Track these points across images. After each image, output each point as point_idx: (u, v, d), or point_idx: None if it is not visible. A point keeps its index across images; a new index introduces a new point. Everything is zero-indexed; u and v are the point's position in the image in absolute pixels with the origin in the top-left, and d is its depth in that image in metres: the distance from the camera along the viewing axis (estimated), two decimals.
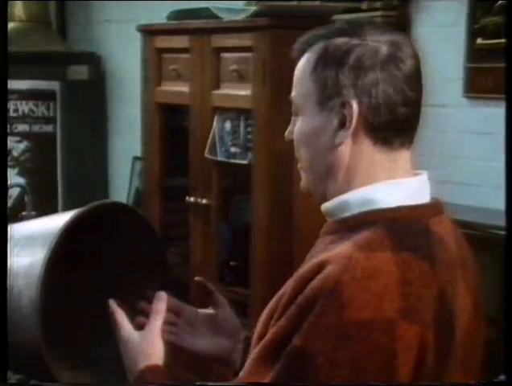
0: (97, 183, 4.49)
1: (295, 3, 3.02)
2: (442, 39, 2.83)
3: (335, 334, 1.12)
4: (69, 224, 1.42)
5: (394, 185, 1.24)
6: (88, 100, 4.44)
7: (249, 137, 2.84)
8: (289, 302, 1.17)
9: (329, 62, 1.23)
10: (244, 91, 2.81)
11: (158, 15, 3.45)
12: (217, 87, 2.94)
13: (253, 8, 2.82)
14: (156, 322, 1.38)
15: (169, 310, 1.46)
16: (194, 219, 3.09)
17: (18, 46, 4.13)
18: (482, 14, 2.68)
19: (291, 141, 1.32)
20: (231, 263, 3.00)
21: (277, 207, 2.77)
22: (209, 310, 1.54)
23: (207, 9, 2.98)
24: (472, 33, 2.71)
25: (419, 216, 1.23)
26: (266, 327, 1.22)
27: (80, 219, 1.44)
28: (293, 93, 1.30)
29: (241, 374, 1.23)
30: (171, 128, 3.32)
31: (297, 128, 1.30)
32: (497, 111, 2.38)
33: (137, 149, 3.76)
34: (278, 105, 2.75)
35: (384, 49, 1.22)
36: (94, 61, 4.47)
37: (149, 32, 3.31)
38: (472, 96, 2.75)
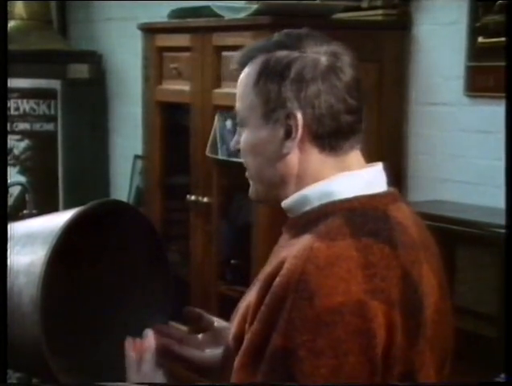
0: (97, 182, 4.49)
1: (295, 2, 3.02)
2: (443, 37, 2.83)
3: (311, 325, 1.14)
4: (70, 223, 1.42)
5: (350, 176, 1.28)
6: (89, 98, 4.44)
7: None
8: (258, 304, 1.19)
9: (271, 75, 1.27)
10: None
11: (159, 14, 3.45)
12: (218, 85, 2.94)
13: (254, 6, 2.82)
14: (147, 362, 1.40)
15: (189, 317, 1.50)
16: (195, 218, 3.09)
17: (19, 44, 4.13)
18: (483, 13, 2.68)
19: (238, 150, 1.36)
20: (232, 261, 3.00)
21: (277, 205, 2.77)
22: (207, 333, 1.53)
23: (208, 7, 2.98)
24: (473, 31, 2.71)
25: (376, 204, 1.26)
26: (241, 328, 1.25)
27: (81, 218, 1.44)
28: (237, 106, 1.33)
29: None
30: (171, 126, 3.32)
31: (243, 139, 1.33)
32: (498, 110, 2.38)
33: (138, 147, 3.76)
34: None
35: (323, 60, 1.27)
36: (95, 60, 4.47)
37: (150, 31, 3.31)
38: (473, 94, 2.75)
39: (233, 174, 3.07)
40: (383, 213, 1.25)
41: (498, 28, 2.60)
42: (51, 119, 4.36)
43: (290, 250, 1.22)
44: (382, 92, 2.84)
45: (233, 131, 2.92)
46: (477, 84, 2.72)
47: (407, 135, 2.92)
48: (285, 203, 1.32)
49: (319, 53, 1.28)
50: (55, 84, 4.32)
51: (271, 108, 1.27)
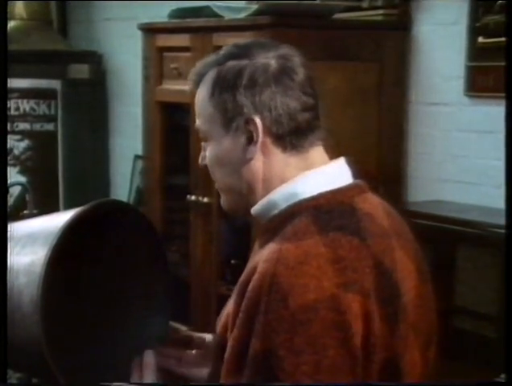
0: (98, 182, 4.50)
1: (296, 2, 3.02)
2: (443, 37, 2.83)
3: (287, 325, 1.16)
4: (70, 223, 1.42)
5: (312, 175, 1.30)
6: (90, 98, 4.44)
7: None
8: (236, 311, 1.21)
9: (225, 85, 1.30)
10: None
11: (160, 14, 3.45)
12: None
13: (254, 7, 2.82)
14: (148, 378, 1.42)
15: (178, 341, 1.50)
16: (195, 218, 3.09)
17: (19, 44, 4.13)
18: (483, 13, 2.68)
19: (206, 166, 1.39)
20: (232, 261, 3.00)
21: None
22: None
23: (208, 7, 2.97)
24: (474, 31, 2.71)
25: (342, 198, 1.28)
26: (223, 337, 1.27)
27: (82, 218, 1.44)
28: (197, 122, 1.38)
29: None
30: (172, 126, 3.32)
31: (208, 153, 1.36)
32: (498, 110, 2.38)
33: (138, 147, 3.76)
34: None
35: (273, 63, 1.30)
36: (95, 60, 4.47)
37: (150, 31, 3.31)
38: (473, 94, 2.75)
39: None
40: (349, 206, 1.27)
41: (498, 28, 2.60)
42: (52, 119, 4.36)
43: (260, 255, 1.23)
44: (383, 92, 2.84)
45: None
46: (477, 84, 2.72)
47: (407, 135, 2.92)
48: (254, 210, 1.33)
49: (268, 58, 1.31)
50: (55, 84, 4.32)
51: (230, 117, 1.30)
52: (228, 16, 2.92)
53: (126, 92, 4.30)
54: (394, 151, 2.88)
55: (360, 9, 2.94)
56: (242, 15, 2.84)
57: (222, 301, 3.19)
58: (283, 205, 1.29)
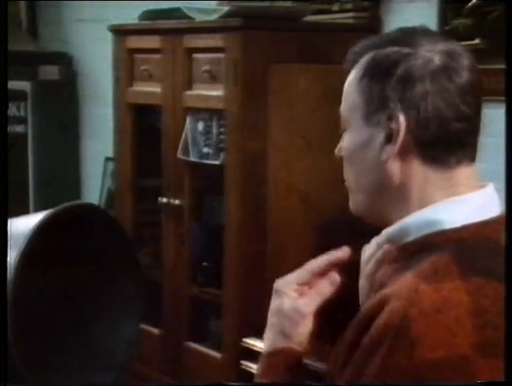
0: (68, 184, 4.47)
1: (267, 4, 3.03)
2: None
3: (405, 377, 1.03)
4: (40, 226, 1.41)
5: (457, 203, 1.13)
6: (60, 100, 4.41)
7: (222, 137, 2.84)
8: (353, 345, 1.08)
9: (376, 73, 1.16)
10: (216, 91, 2.81)
11: (130, 16, 3.44)
12: (189, 87, 2.94)
13: (225, 8, 2.82)
14: (314, 302, 1.21)
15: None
16: (166, 220, 3.08)
17: None
18: (452, 17, 2.70)
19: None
20: (204, 263, 3.00)
21: (249, 207, 2.78)
22: None
23: (178, 9, 2.97)
24: (443, 35, 2.73)
25: (488, 233, 1.12)
26: (335, 361, 1.13)
27: (51, 221, 1.43)
28: (341, 106, 1.22)
29: None
30: (143, 128, 3.31)
31: (344, 144, 1.21)
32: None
33: (109, 149, 3.74)
34: (251, 106, 2.75)
35: (436, 59, 1.14)
36: (66, 61, 4.44)
37: (120, 32, 3.30)
38: None
39: (204, 176, 3.06)
40: (495, 243, 1.11)
41: (468, 31, 2.63)
42: (22, 121, 4.33)
43: (391, 289, 1.08)
44: None
45: (205, 133, 2.92)
46: None
47: None
48: (386, 233, 1.18)
49: (432, 51, 1.14)
50: (25, 85, 4.29)
51: (372, 108, 1.15)
52: (199, 18, 2.92)
53: (97, 93, 4.28)
54: None
55: (330, 12, 2.95)
56: (213, 17, 2.84)
57: (194, 303, 3.20)
58: (418, 233, 1.13)
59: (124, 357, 1.57)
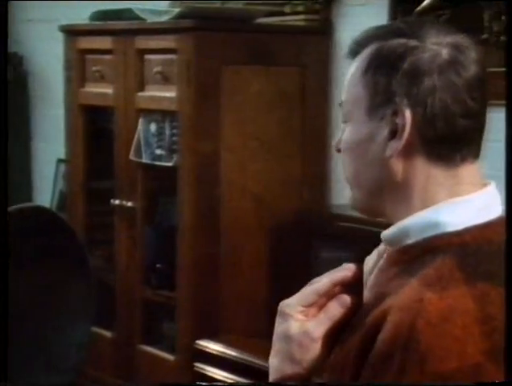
0: (20, 186, 4.41)
1: (218, 5, 3.03)
2: None
3: None
4: None
5: (459, 204, 1.10)
6: (11, 101, 4.35)
7: (175, 139, 2.84)
8: (359, 358, 1.05)
9: (382, 66, 1.11)
10: (168, 93, 2.80)
11: (80, 16, 3.41)
12: (142, 89, 2.93)
13: (176, 10, 2.82)
14: (324, 325, 1.13)
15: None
16: (119, 222, 3.07)
17: None
18: (403, 19, 2.73)
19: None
20: (157, 266, 2.99)
21: (202, 209, 2.78)
22: None
23: (129, 10, 2.96)
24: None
25: (490, 236, 1.09)
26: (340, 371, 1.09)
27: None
28: (342, 98, 1.17)
29: None
30: (95, 130, 3.29)
31: (345, 136, 1.16)
32: None
33: (61, 151, 3.71)
34: (203, 107, 2.75)
35: (444, 53, 1.09)
36: (16, 61, 4.39)
37: (71, 32, 3.28)
38: None
39: (157, 177, 3.05)
40: (498, 246, 1.07)
41: None
42: None
43: (396, 298, 1.04)
44: (306, 97, 2.87)
45: (157, 135, 2.91)
46: None
47: (331, 139, 2.96)
48: (384, 235, 1.15)
49: (440, 44, 1.10)
50: None
51: (377, 102, 1.11)
52: (150, 19, 2.91)
53: (48, 94, 4.24)
54: (318, 155, 2.92)
55: (282, 14, 2.96)
56: (164, 18, 2.83)
57: (147, 305, 3.18)
58: (419, 235, 1.09)
59: (75, 360, 1.56)
